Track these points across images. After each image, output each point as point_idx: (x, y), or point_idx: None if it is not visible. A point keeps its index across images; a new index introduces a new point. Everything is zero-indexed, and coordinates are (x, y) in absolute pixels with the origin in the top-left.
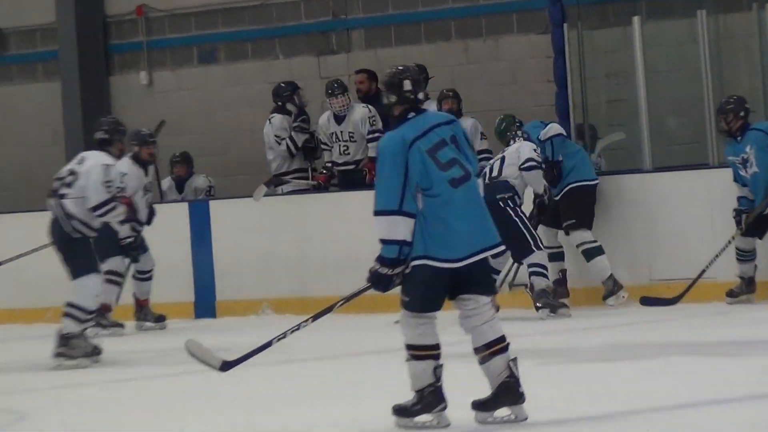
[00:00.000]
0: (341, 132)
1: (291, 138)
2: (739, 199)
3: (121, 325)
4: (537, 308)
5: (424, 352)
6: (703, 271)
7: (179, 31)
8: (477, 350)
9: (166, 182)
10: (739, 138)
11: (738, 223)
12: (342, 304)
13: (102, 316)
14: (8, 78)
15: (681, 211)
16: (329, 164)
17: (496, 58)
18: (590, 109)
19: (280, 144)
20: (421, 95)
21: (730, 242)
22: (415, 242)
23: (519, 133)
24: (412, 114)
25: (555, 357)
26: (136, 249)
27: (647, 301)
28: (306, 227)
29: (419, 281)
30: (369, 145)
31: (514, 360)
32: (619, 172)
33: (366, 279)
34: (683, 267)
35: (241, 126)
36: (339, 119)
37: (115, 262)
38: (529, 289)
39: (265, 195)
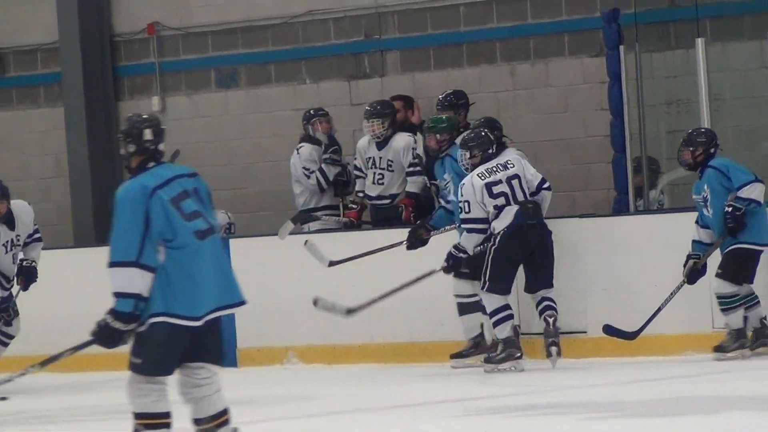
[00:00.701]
0: (380, 158)
1: (321, 170)
2: (693, 243)
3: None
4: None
5: (158, 421)
6: (659, 309)
7: (195, 51)
8: (200, 421)
9: None
10: (700, 175)
11: (684, 266)
12: (69, 355)
13: None
14: (7, 102)
15: None
16: (360, 194)
17: (545, 83)
18: (649, 140)
19: (309, 177)
20: (162, 146)
21: (680, 287)
22: (153, 298)
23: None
24: (152, 164)
25: (605, 411)
26: (5, 311)
27: (610, 330)
28: (336, 268)
29: (156, 341)
30: (408, 178)
31: (235, 430)
32: (682, 209)
33: (91, 332)
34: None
35: (264, 157)
36: (380, 144)
37: None
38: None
39: (291, 233)
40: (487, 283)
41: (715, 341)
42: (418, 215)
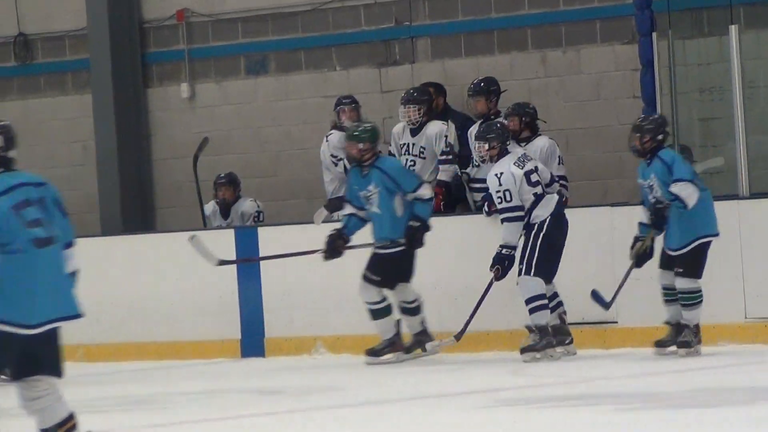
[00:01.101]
0: (413, 145)
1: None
2: (640, 225)
3: None
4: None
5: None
6: (620, 286)
7: (225, 38)
8: (48, 431)
9: (210, 207)
10: (648, 162)
11: (632, 248)
12: None
13: None
14: (35, 90)
15: None
16: None
17: (576, 70)
18: (681, 128)
19: (336, 165)
20: (13, 153)
21: (630, 269)
22: None
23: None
24: (1, 170)
25: (637, 401)
26: None
27: (595, 296)
28: (365, 257)
29: None
30: (440, 166)
31: None
32: (715, 198)
33: None
34: None
35: (293, 144)
36: (414, 131)
37: None
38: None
39: (324, 221)
40: (534, 268)
41: (749, 331)
42: (449, 204)
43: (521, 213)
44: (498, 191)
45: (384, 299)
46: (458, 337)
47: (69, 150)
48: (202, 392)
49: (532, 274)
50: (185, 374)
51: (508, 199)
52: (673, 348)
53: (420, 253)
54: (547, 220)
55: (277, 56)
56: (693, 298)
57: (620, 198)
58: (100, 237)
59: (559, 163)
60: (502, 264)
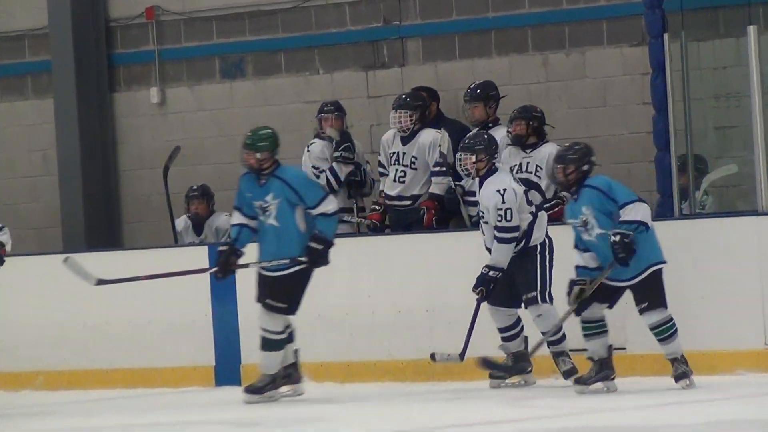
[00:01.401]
0: (403, 154)
1: (332, 169)
2: (577, 268)
3: None
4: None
5: None
6: (539, 343)
7: (198, 38)
8: None
9: (181, 222)
10: (575, 196)
11: (569, 295)
12: None
13: None
14: None
15: None
16: (383, 195)
17: (581, 74)
18: (695, 136)
19: (318, 177)
20: None
21: (568, 314)
22: None
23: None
24: None
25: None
26: None
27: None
28: (351, 277)
29: None
30: (433, 178)
31: None
32: (726, 214)
33: None
34: None
35: None
36: (405, 139)
37: None
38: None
39: None
40: (549, 294)
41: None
42: (442, 219)
43: (517, 234)
44: (500, 208)
45: (288, 327)
46: (462, 356)
47: (28, 159)
48: (173, 423)
49: (550, 301)
50: (155, 404)
51: (509, 218)
52: (599, 385)
53: (410, 274)
54: (546, 240)
55: (255, 58)
56: (668, 329)
57: None
58: (62, 254)
59: None
60: (487, 286)
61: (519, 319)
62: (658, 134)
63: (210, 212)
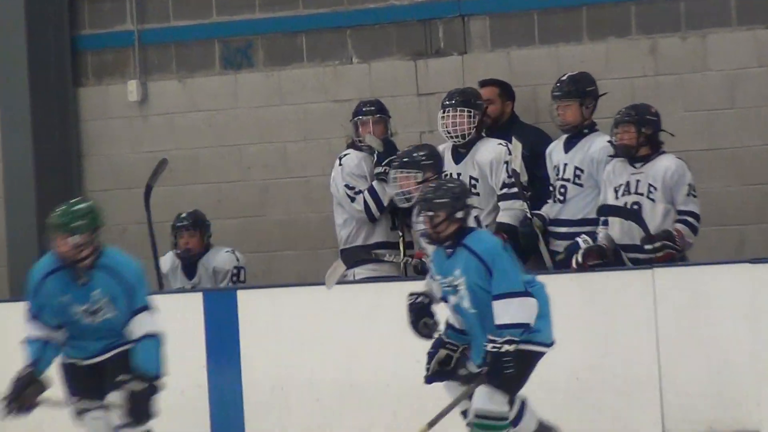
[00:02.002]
0: (458, 175)
1: (371, 190)
2: (448, 329)
3: None
4: None
5: None
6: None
7: (192, 16)
8: None
9: (168, 260)
10: (449, 250)
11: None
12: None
13: None
14: None
15: None
16: None
17: (701, 65)
18: None
19: (353, 200)
20: None
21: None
22: None
23: None
24: None
25: None
26: None
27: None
28: (387, 332)
29: None
30: (500, 204)
31: None
32: None
33: None
34: None
35: (289, 169)
36: (459, 156)
37: None
38: None
39: (339, 282)
40: None
41: None
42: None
43: None
44: None
45: None
46: None
47: None
48: None
49: None
50: None
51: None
52: None
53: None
54: None
55: (266, 42)
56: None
57: (764, 251)
58: (9, 302)
59: (688, 194)
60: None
61: None
62: None
63: (205, 248)
